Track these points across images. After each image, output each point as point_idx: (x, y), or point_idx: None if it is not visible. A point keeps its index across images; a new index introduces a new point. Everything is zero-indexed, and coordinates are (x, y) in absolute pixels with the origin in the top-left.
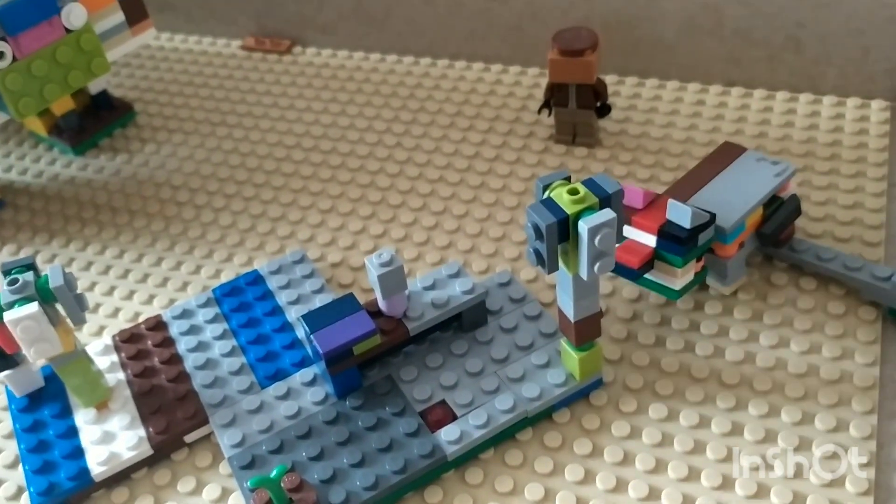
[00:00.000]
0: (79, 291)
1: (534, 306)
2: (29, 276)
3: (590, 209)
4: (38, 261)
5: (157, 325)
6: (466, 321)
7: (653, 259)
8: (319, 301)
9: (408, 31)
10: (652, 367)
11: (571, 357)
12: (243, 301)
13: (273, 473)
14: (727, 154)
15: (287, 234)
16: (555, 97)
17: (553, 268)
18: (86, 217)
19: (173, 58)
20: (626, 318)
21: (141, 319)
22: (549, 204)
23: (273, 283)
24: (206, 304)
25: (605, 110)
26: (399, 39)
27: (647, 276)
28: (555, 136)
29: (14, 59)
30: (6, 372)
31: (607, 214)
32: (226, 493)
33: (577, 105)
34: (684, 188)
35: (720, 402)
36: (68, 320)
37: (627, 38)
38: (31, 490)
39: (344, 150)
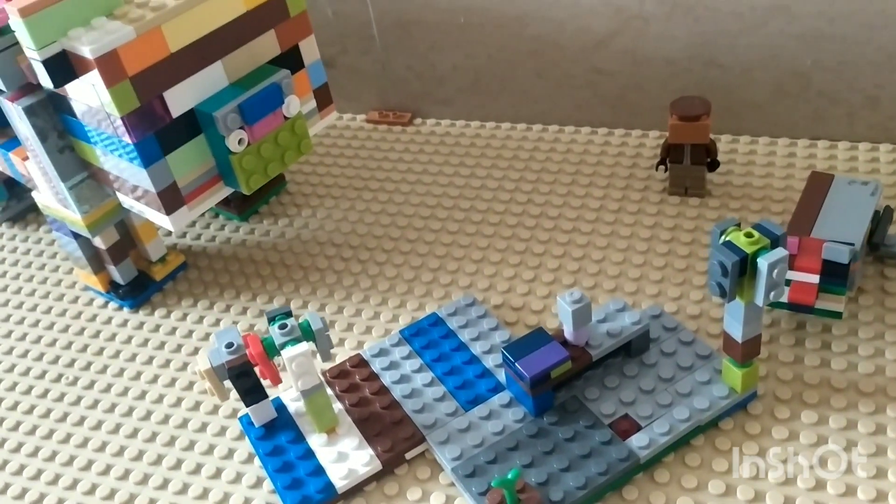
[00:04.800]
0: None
1: (686, 333)
2: (292, 321)
3: (763, 249)
4: (231, 314)
5: (360, 362)
6: (634, 348)
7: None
8: (498, 337)
9: (520, 102)
10: (796, 380)
11: (734, 373)
12: (430, 339)
13: (510, 475)
14: (821, 184)
15: (448, 282)
16: (670, 155)
17: (732, 297)
18: (263, 274)
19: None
20: (765, 341)
21: (338, 360)
22: (730, 245)
23: (453, 323)
24: (398, 344)
25: (714, 165)
26: (511, 109)
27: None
28: (668, 189)
29: (248, 143)
30: (253, 406)
31: (781, 252)
32: (450, 499)
33: (691, 162)
34: (802, 223)
35: (861, 406)
36: (318, 357)
37: (721, 102)
38: (288, 502)
39: (481, 208)
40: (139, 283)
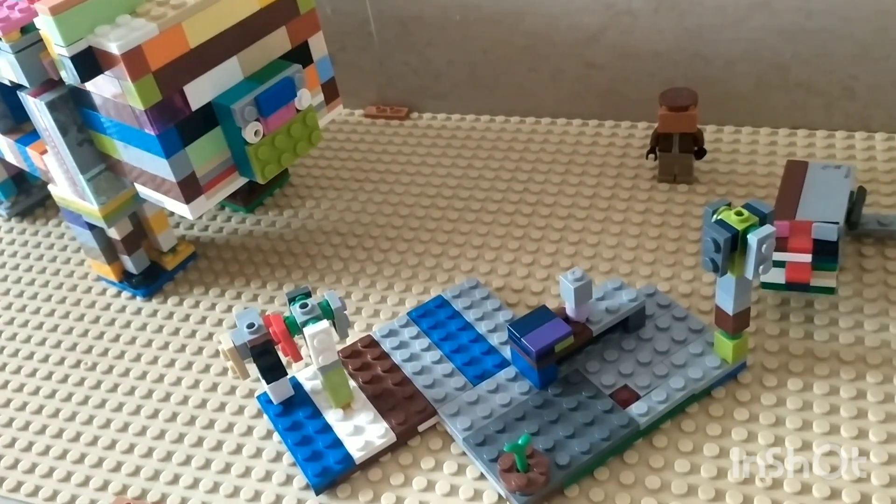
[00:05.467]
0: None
1: (679, 310)
2: (312, 300)
3: (753, 226)
4: (242, 300)
5: (371, 343)
6: (631, 323)
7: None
8: (502, 317)
9: (514, 96)
10: (782, 351)
11: (725, 344)
12: (437, 320)
13: (520, 441)
14: (797, 171)
15: (451, 267)
16: (660, 144)
17: (724, 272)
18: (272, 262)
19: None
20: (752, 316)
21: (349, 341)
22: (722, 223)
23: (458, 305)
24: (406, 325)
25: (701, 154)
26: (505, 102)
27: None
28: (657, 177)
29: (263, 135)
30: (273, 383)
31: (769, 229)
32: (461, 468)
33: (679, 150)
34: (786, 208)
35: (843, 374)
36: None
37: (705, 94)
38: (309, 473)
39: (480, 197)
40: (151, 273)
